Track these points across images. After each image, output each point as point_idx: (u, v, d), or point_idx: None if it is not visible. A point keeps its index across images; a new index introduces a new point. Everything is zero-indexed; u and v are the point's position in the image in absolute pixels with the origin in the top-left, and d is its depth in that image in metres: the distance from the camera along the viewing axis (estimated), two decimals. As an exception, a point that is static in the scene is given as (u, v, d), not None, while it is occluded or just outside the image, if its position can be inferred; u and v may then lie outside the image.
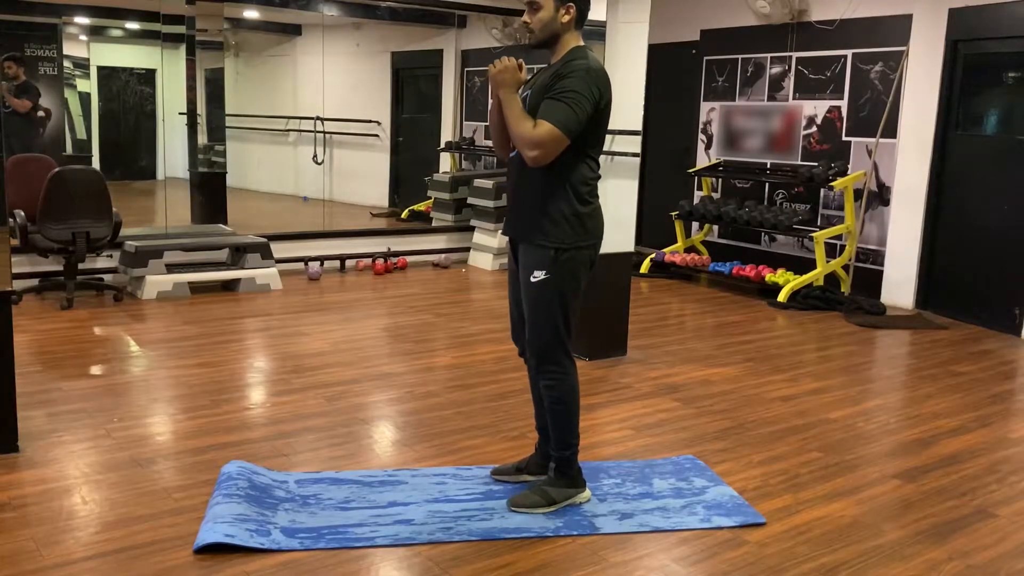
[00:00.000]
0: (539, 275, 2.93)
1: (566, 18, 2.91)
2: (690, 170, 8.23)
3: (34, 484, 3.22)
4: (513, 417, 4.08)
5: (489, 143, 9.89)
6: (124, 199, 7.30)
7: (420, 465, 3.52)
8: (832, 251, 7.23)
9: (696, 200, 8.18)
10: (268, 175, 10.58)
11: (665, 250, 8.05)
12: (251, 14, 9.57)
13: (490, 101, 2.96)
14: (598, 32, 4.98)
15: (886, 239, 6.99)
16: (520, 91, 2.94)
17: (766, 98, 7.83)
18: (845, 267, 7.12)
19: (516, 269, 3.10)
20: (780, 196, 7.78)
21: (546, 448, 3.22)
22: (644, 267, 7.94)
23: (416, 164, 10.22)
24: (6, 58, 7.82)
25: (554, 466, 3.13)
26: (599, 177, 3.03)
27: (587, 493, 3.18)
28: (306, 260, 7.57)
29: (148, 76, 9.71)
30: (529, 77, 2.99)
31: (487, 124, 9.81)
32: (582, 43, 2.97)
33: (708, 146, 8.36)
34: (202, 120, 8.17)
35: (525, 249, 3.00)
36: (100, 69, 9.56)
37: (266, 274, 6.90)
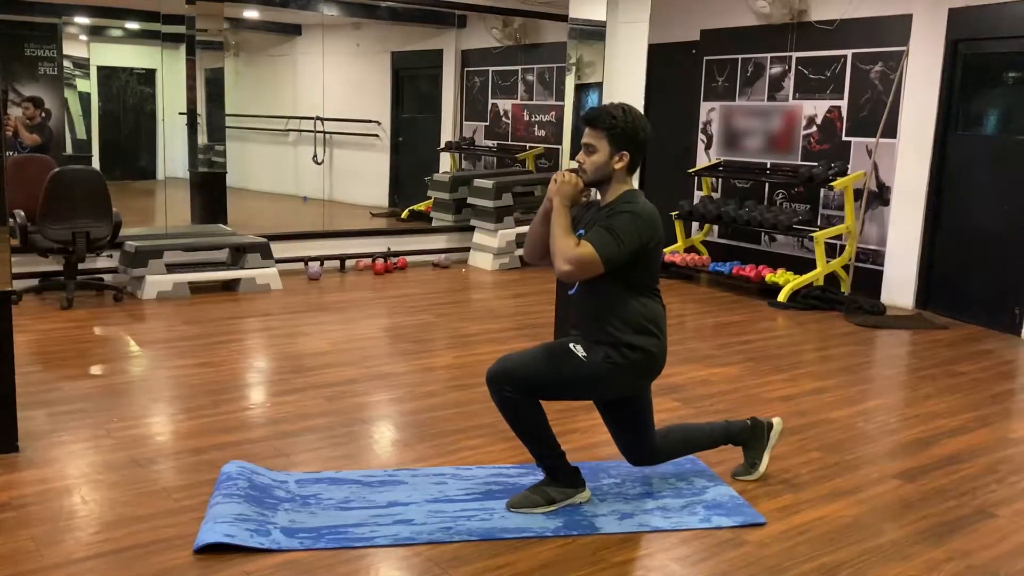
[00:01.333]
0: (579, 352, 2.96)
1: (619, 164, 2.97)
2: (690, 170, 8.23)
3: (34, 484, 3.22)
4: (513, 417, 4.08)
5: (489, 143, 9.90)
6: (124, 199, 7.30)
7: (420, 465, 3.52)
8: (832, 251, 7.22)
9: (696, 200, 8.18)
10: (268, 175, 10.58)
11: (665, 250, 8.04)
12: (251, 14, 9.58)
13: (543, 206, 3.02)
14: (598, 32, 4.98)
15: (886, 239, 6.99)
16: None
17: (766, 98, 7.83)
18: (845, 267, 7.11)
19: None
20: (780, 196, 7.78)
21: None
22: (644, 267, 7.92)
23: (416, 164, 10.22)
24: (26, 99, 8.06)
25: (546, 475, 3.15)
26: (662, 313, 3.04)
27: (586, 493, 3.18)
28: (306, 260, 7.57)
29: (148, 76, 9.71)
30: (585, 201, 3.05)
31: (487, 124, 9.88)
32: (635, 187, 3.05)
33: (708, 146, 8.36)
34: (202, 120, 8.18)
35: (585, 341, 3.00)
36: (100, 69, 9.57)
37: (266, 274, 6.89)
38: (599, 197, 3.09)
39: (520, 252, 8.17)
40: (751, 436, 3.41)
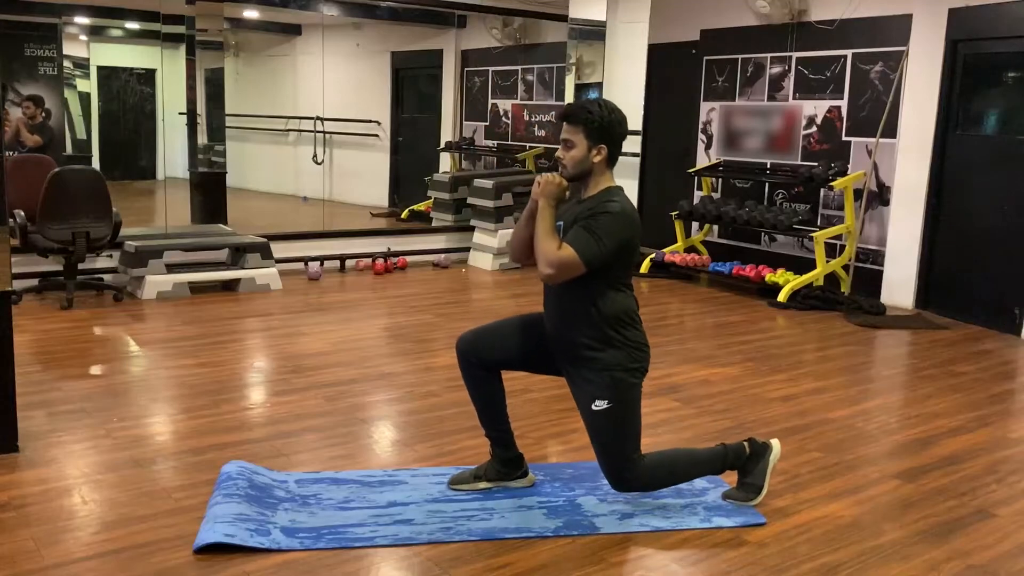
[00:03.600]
0: (601, 404, 2.98)
1: (598, 158, 2.97)
2: (690, 170, 8.23)
3: (34, 484, 3.22)
4: (513, 417, 4.05)
5: (489, 143, 9.90)
6: (124, 199, 7.29)
7: (420, 465, 3.52)
8: (832, 251, 7.23)
9: (696, 200, 8.18)
10: (268, 175, 10.57)
11: (665, 250, 8.05)
12: (251, 14, 9.57)
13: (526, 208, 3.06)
14: (598, 32, 4.99)
15: (886, 239, 6.99)
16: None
17: (766, 98, 7.83)
18: (845, 267, 7.12)
19: (540, 347, 3.13)
20: (780, 196, 7.78)
21: (502, 455, 3.26)
22: (644, 267, 7.93)
23: (416, 164, 10.21)
24: (27, 98, 8.01)
25: (738, 476, 3.23)
26: (637, 306, 3.09)
27: (775, 447, 3.23)
28: (306, 260, 7.57)
29: (148, 76, 9.69)
30: (568, 199, 3.05)
31: (487, 124, 9.88)
32: (615, 183, 3.05)
33: (708, 146, 8.35)
34: (202, 120, 8.17)
35: (579, 373, 3.03)
36: (100, 69, 9.55)
37: (266, 274, 6.89)
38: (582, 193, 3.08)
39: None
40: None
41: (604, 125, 2.95)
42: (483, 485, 3.26)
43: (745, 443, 3.22)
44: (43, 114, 8.08)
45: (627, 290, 3.05)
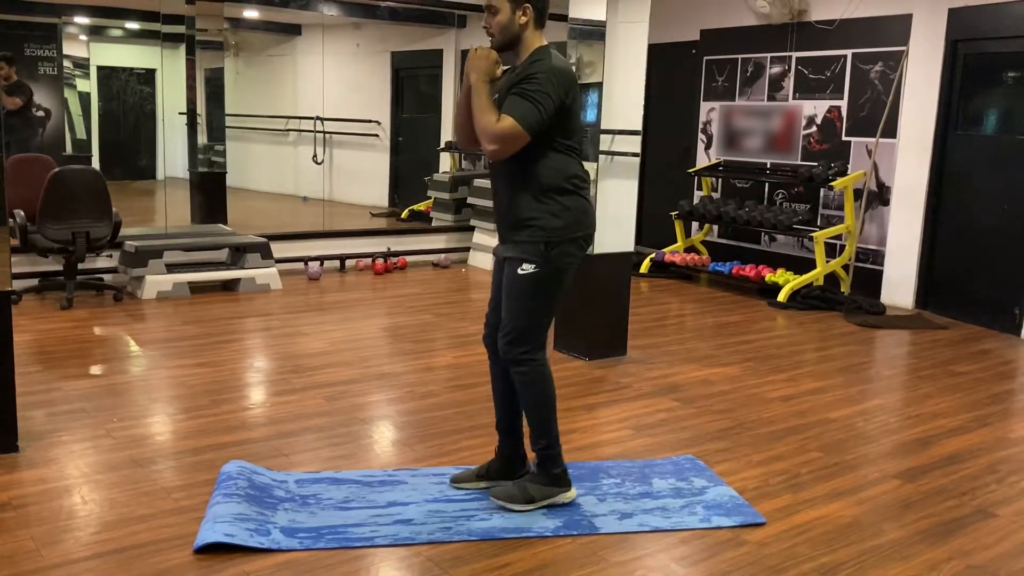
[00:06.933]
0: (528, 268, 2.92)
1: (523, 19, 2.90)
2: (690, 170, 8.23)
3: (34, 484, 3.22)
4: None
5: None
6: (124, 199, 7.29)
7: (420, 465, 3.52)
8: (832, 251, 7.23)
9: (696, 200, 8.18)
10: (268, 175, 10.57)
11: (665, 250, 8.05)
12: (251, 14, 9.57)
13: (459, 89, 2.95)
14: (598, 32, 4.98)
15: (886, 239, 6.99)
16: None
17: (766, 98, 7.83)
18: (845, 267, 7.12)
19: (501, 271, 3.08)
20: (780, 196, 7.78)
21: (507, 451, 3.24)
22: (644, 267, 7.94)
23: (416, 164, 10.21)
24: None
25: (537, 461, 3.12)
26: (584, 171, 3.00)
27: (571, 492, 3.13)
28: (306, 260, 7.57)
29: (148, 76, 9.70)
30: (501, 74, 2.97)
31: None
32: (544, 43, 2.96)
33: (708, 146, 8.36)
34: (202, 120, 8.17)
35: (513, 245, 2.97)
36: (100, 69, 9.55)
37: (266, 274, 6.89)
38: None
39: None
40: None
41: None
42: (484, 484, 3.26)
43: (563, 464, 3.11)
44: (17, 73, 7.75)
45: (571, 153, 2.94)
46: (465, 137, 3.05)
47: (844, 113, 7.25)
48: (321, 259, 7.65)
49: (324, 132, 9.72)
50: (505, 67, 3.00)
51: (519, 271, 2.93)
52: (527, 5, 2.89)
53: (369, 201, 10.36)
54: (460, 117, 3.03)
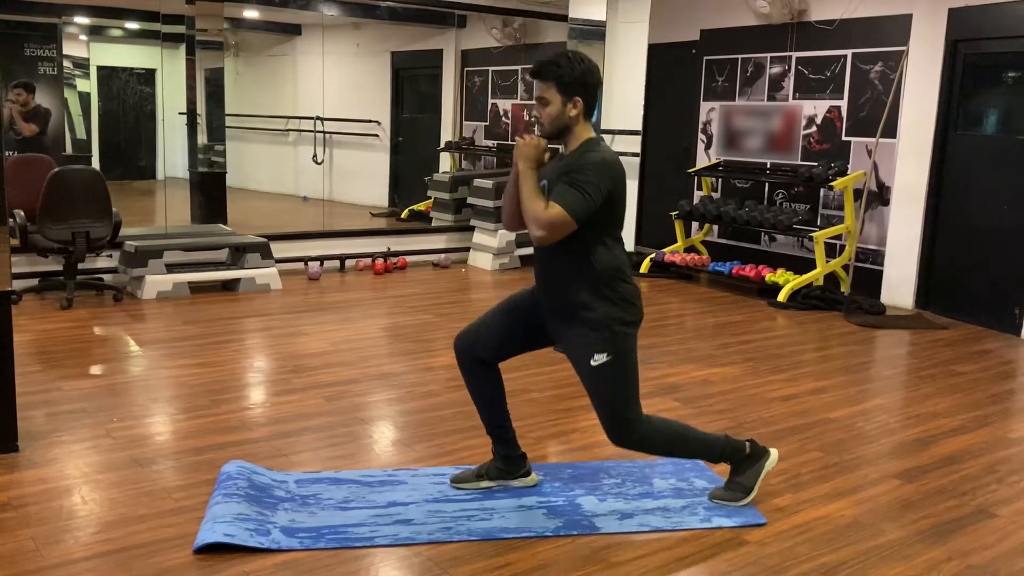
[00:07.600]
0: (600, 358, 2.96)
1: (574, 112, 2.94)
2: (690, 170, 8.22)
3: (34, 484, 3.22)
4: (513, 417, 4.05)
5: (489, 143, 9.89)
6: (124, 199, 7.29)
7: (420, 465, 3.52)
8: (832, 251, 7.23)
9: (696, 200, 8.18)
10: (268, 175, 10.57)
11: (665, 250, 8.05)
12: (251, 14, 9.57)
13: (511, 171, 3.03)
14: (598, 32, 4.98)
15: (886, 239, 6.99)
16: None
17: (766, 98, 7.83)
18: (845, 267, 7.11)
19: (528, 305, 3.12)
20: (780, 196, 7.78)
21: (503, 452, 3.26)
22: (644, 267, 7.93)
23: (416, 164, 10.21)
24: (15, 85, 7.93)
25: (730, 473, 3.24)
26: (628, 260, 3.08)
27: (773, 453, 3.25)
28: (306, 260, 7.57)
29: (148, 76, 9.69)
30: (549, 160, 3.02)
31: (486, 124, 9.88)
32: (593, 134, 3.02)
33: (708, 146, 8.35)
34: (202, 120, 8.17)
35: (574, 331, 3.00)
36: (100, 69, 9.55)
37: (266, 274, 6.89)
38: (562, 149, 3.04)
39: (521, 252, 8.17)
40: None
41: (576, 77, 2.90)
42: (485, 484, 3.27)
43: (747, 442, 3.22)
44: (34, 99, 7.91)
45: (616, 245, 3.01)
46: (512, 221, 3.11)
47: (844, 113, 7.25)
48: (321, 259, 7.65)
49: (324, 132, 9.72)
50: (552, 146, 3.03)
51: (592, 363, 2.98)
52: (578, 99, 2.93)
53: (369, 201, 10.36)
54: (508, 202, 3.09)
